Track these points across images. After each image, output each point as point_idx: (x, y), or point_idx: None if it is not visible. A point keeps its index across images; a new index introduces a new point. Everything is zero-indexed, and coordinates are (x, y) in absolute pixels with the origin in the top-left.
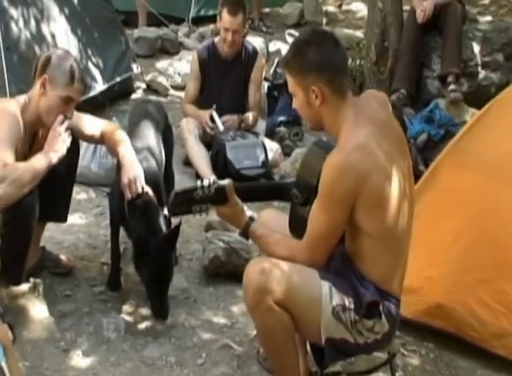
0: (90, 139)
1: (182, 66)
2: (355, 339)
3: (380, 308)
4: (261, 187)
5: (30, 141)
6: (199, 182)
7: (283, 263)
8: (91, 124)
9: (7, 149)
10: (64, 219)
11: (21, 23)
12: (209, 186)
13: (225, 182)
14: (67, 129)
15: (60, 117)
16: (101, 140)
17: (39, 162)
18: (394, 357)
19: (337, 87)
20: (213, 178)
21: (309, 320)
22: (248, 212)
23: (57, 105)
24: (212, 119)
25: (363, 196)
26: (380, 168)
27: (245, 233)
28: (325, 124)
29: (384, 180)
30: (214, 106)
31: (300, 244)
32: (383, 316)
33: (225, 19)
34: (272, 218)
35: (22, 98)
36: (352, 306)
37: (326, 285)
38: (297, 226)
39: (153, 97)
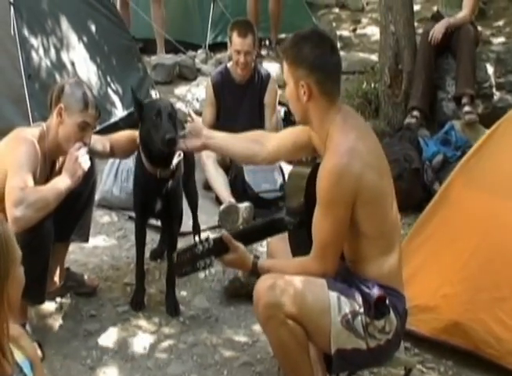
0: (106, 155)
1: (200, 92)
2: (367, 344)
3: (387, 302)
4: (256, 227)
5: (49, 169)
6: (197, 238)
7: (291, 277)
8: (102, 140)
9: (26, 173)
10: (86, 239)
11: (41, 52)
12: (207, 239)
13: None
14: (85, 154)
15: (78, 144)
16: (112, 147)
17: (57, 185)
18: (411, 372)
19: (327, 90)
20: (208, 234)
21: (319, 332)
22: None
23: (75, 132)
24: None
25: (362, 195)
26: (372, 168)
27: (254, 271)
28: (311, 122)
29: (377, 178)
30: None
31: (309, 257)
32: (391, 310)
33: (236, 41)
34: (279, 245)
35: (40, 127)
36: (362, 310)
37: (334, 296)
38: (300, 251)
39: None
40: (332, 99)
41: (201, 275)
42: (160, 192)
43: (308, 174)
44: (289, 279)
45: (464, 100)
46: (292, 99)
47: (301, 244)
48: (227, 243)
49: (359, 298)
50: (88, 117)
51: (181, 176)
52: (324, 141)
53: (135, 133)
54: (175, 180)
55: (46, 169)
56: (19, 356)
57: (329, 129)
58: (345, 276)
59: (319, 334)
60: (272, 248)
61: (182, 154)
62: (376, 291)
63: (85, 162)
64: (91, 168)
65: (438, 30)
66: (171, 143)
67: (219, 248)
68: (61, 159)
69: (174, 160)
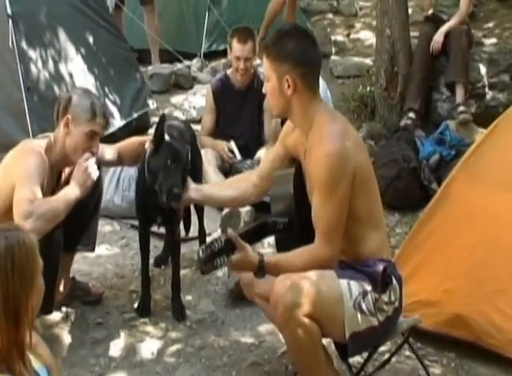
0: (114, 163)
1: (197, 101)
2: (378, 320)
3: (388, 272)
4: (249, 231)
5: (55, 180)
6: (214, 235)
7: (304, 275)
8: (110, 149)
9: (34, 185)
10: (92, 248)
11: (40, 64)
12: (219, 237)
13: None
14: (93, 164)
15: (86, 154)
16: (120, 155)
17: (66, 196)
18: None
19: (310, 83)
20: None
21: (334, 322)
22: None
23: (82, 141)
24: (230, 150)
25: (358, 173)
26: (361, 148)
27: (261, 267)
28: (293, 114)
29: (367, 158)
30: (232, 141)
31: (315, 244)
32: (393, 278)
33: (236, 47)
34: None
35: (47, 139)
36: (370, 288)
37: (344, 283)
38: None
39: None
40: (314, 91)
41: (205, 278)
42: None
43: (292, 173)
44: (303, 276)
45: (458, 100)
46: (274, 93)
47: (290, 244)
48: (234, 242)
49: (366, 278)
50: (95, 125)
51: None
52: (307, 132)
53: (142, 138)
54: None
55: (53, 180)
56: (36, 364)
57: (313, 119)
58: (345, 269)
59: (333, 324)
60: (247, 277)
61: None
62: (379, 266)
63: (94, 172)
64: (98, 178)
65: (436, 40)
66: (175, 198)
67: (228, 248)
68: (67, 170)
69: None
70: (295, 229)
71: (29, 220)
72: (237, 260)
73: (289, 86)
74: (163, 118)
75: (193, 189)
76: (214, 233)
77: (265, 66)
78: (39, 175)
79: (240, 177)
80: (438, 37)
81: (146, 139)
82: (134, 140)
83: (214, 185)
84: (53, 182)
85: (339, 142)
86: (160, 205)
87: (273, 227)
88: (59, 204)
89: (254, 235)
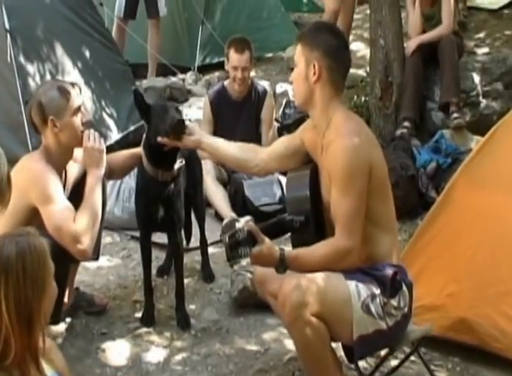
0: (107, 177)
1: (192, 113)
2: (387, 324)
3: (398, 278)
4: (266, 228)
5: (64, 179)
6: (237, 224)
7: (312, 275)
8: None
9: (60, 201)
10: (96, 257)
11: (38, 78)
12: (243, 228)
13: (246, 218)
14: (95, 135)
15: (85, 135)
16: (109, 167)
17: (91, 188)
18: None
19: (335, 79)
20: (249, 217)
21: (342, 322)
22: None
23: (74, 123)
24: None
25: (373, 169)
26: (377, 147)
27: (282, 261)
28: (314, 108)
29: (382, 157)
30: None
31: (335, 237)
32: (403, 284)
33: (233, 57)
34: (265, 270)
35: (39, 150)
36: (379, 291)
37: (352, 284)
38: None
39: None
40: (337, 90)
41: (208, 287)
42: (162, 196)
43: (306, 174)
44: (310, 277)
45: (452, 108)
46: (299, 78)
47: (305, 243)
48: (254, 234)
49: (374, 282)
50: (74, 101)
51: (182, 185)
52: (324, 130)
53: (132, 150)
54: (176, 186)
55: (61, 181)
56: (48, 370)
57: (332, 117)
58: (353, 272)
59: (341, 325)
60: (259, 274)
61: (183, 161)
62: (389, 271)
63: (100, 144)
64: (102, 187)
65: (408, 45)
66: (181, 124)
67: (250, 240)
68: (68, 165)
69: (176, 165)
70: (311, 228)
71: (81, 240)
72: (258, 252)
73: (314, 73)
74: (137, 92)
75: (200, 135)
76: (238, 224)
77: (296, 52)
78: (57, 186)
79: (252, 146)
80: (411, 43)
81: (137, 151)
82: (123, 152)
83: (222, 140)
84: (62, 183)
85: (355, 138)
86: (159, 198)
87: (290, 225)
88: (92, 201)
89: (270, 232)
